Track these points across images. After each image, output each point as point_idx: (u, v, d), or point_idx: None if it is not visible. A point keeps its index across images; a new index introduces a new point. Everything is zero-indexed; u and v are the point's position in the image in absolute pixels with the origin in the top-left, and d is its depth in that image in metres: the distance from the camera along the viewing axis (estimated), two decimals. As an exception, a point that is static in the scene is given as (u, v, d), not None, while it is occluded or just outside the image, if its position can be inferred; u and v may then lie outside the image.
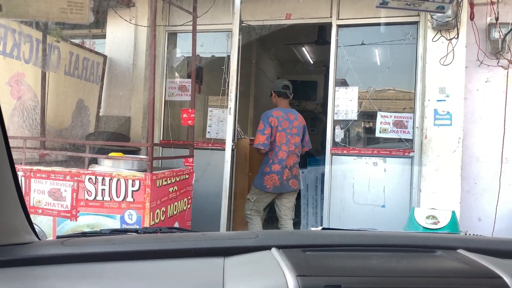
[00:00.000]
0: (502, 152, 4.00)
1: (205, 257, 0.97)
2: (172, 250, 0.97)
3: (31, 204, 3.14)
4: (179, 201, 3.50)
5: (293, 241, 1.02)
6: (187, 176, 3.62)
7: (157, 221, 3.11)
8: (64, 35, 3.73)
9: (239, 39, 4.54)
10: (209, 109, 4.84)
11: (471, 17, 3.91)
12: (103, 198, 3.05)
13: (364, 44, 4.57)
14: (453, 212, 3.65)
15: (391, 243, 1.03)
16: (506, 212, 3.96)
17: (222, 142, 4.68)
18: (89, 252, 0.95)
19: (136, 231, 1.40)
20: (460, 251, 1.00)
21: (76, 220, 3.11)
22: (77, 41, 4.45)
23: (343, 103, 4.39)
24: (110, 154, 3.22)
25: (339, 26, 4.39)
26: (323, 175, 4.53)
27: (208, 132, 4.77)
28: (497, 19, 3.86)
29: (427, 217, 3.68)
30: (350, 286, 0.78)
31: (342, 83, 4.49)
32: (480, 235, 1.52)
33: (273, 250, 0.96)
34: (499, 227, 3.95)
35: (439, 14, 3.59)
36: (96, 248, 0.96)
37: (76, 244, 0.99)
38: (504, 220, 3.96)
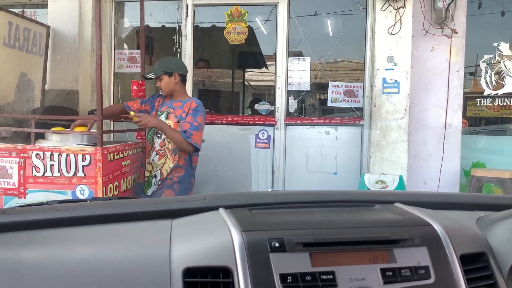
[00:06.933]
0: (445, 118, 4.20)
1: (152, 220, 0.97)
2: (119, 214, 0.97)
3: (-25, 183, 3.00)
4: (133, 175, 3.45)
5: (240, 201, 1.04)
6: (140, 150, 3.56)
7: (110, 195, 3.06)
8: (1, 4, 3.49)
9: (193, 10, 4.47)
10: (162, 81, 4.72)
11: (417, -13, 4.02)
12: (52, 174, 2.95)
13: (317, 15, 4.60)
14: (401, 177, 3.83)
15: (333, 199, 1.08)
16: (449, 174, 4.20)
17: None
18: (32, 219, 0.93)
19: (85, 201, 1.37)
20: (397, 204, 1.07)
21: (24, 198, 3.01)
22: (16, 10, 4.19)
23: (296, 74, 4.43)
24: (54, 129, 3.11)
25: (290, -5, 4.39)
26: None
27: (162, 104, 4.67)
28: (441, -11, 3.99)
29: (377, 182, 3.85)
30: (291, 238, 0.82)
31: (295, 54, 4.52)
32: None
33: (221, 210, 0.99)
34: (443, 189, 4.19)
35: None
36: (39, 215, 0.94)
37: (18, 212, 0.97)
38: (447, 182, 4.20)
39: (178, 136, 2.93)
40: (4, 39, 3.57)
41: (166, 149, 3.06)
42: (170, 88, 3.10)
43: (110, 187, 3.04)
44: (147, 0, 3.86)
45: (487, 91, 4.43)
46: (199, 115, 2.99)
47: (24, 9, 4.78)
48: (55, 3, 4.38)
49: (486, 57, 4.42)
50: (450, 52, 4.14)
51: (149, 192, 3.15)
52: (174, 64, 3.14)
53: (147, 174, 3.18)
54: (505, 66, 4.34)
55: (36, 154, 2.94)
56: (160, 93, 3.19)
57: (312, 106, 5.09)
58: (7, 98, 3.67)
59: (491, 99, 4.48)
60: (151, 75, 3.10)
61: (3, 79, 3.61)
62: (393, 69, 3.98)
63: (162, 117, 3.09)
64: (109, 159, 3.00)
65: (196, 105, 3.04)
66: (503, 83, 4.35)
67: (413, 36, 3.99)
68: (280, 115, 4.40)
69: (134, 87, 3.53)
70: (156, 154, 3.12)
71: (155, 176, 3.10)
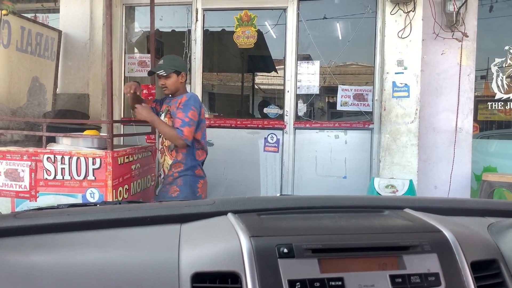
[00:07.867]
0: (456, 122, 4.17)
1: (161, 224, 0.98)
2: (128, 218, 0.98)
3: (-13, 185, 3.04)
4: (143, 179, 3.46)
5: (249, 206, 1.04)
6: (149, 153, 3.58)
7: (120, 199, 3.08)
8: (14, 9, 3.54)
9: (203, 14, 4.50)
10: (171, 85, 4.75)
11: (427, -10, 4.00)
12: (63, 177, 2.98)
13: (326, 18, 4.60)
14: (411, 181, 3.80)
15: (342, 205, 1.08)
16: (460, 179, 4.16)
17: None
18: (43, 224, 0.94)
19: (94, 204, 1.38)
20: (407, 210, 1.06)
21: (36, 201, 3.04)
22: (28, 15, 4.25)
23: (305, 78, 4.43)
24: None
25: (300, -1, 4.39)
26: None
27: (171, 108, 4.70)
28: (451, -8, 3.96)
29: (386, 186, 3.82)
30: (300, 244, 0.82)
31: (304, 57, 4.52)
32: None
33: (229, 215, 0.99)
34: (453, 194, 4.15)
35: (396, -13, 3.65)
36: (50, 219, 0.95)
37: (29, 216, 0.98)
38: (458, 186, 4.15)
39: (168, 129, 2.91)
40: (16, 43, 3.62)
41: (164, 147, 3.06)
42: (176, 86, 3.06)
43: (120, 191, 3.06)
44: (157, 5, 3.88)
45: (498, 95, 4.39)
46: (190, 110, 2.90)
47: (37, 14, 4.85)
48: (66, 8, 4.43)
49: (497, 60, 4.38)
50: (461, 56, 4.11)
51: (157, 192, 3.17)
52: (181, 63, 3.13)
53: (157, 174, 3.20)
54: (517, 70, 4.30)
55: (47, 158, 2.97)
56: (163, 90, 3.13)
57: (321, 110, 5.07)
58: (19, 102, 3.71)
59: (502, 103, 4.44)
60: (162, 72, 3.03)
61: (16, 83, 3.66)
62: (403, 72, 3.96)
63: (162, 116, 3.06)
64: (119, 163, 3.02)
65: (186, 99, 2.96)
66: (515, 86, 4.31)
67: (423, 40, 3.96)
68: (289, 118, 4.40)
69: (144, 91, 3.55)
70: (159, 152, 3.15)
71: (160, 175, 3.14)
